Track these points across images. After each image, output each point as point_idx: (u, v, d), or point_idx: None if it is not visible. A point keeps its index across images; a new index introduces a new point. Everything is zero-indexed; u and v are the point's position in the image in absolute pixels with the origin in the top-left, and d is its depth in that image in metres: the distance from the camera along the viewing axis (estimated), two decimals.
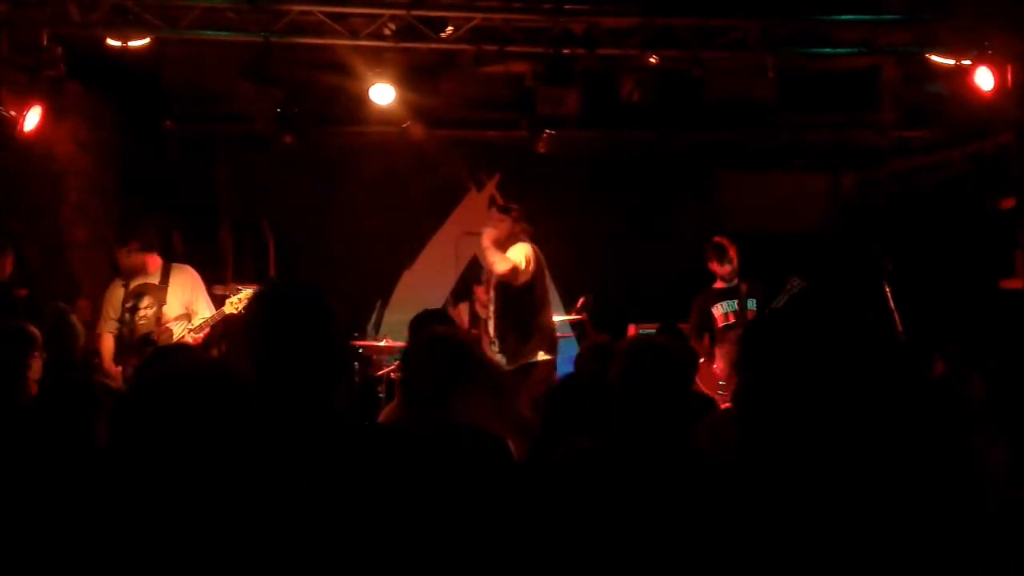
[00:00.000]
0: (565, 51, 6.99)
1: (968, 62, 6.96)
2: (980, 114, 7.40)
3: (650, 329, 7.15)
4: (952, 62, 7.09)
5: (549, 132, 7.87)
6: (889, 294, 6.46)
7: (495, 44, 6.95)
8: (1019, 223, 7.72)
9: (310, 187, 9.05)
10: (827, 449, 1.91)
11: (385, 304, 8.77)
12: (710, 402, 4.59)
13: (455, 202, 9.53)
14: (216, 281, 6.97)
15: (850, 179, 10.10)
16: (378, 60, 7.07)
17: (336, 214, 9.21)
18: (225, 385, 1.99)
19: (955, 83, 7.29)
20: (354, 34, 6.89)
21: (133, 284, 6.17)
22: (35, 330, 4.10)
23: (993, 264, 7.86)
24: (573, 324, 8.15)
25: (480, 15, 6.83)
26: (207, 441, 1.90)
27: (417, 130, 8.15)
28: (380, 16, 6.80)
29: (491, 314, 6.69)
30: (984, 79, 6.88)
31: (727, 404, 4.11)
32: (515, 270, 6.40)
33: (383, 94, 7.16)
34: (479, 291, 7.12)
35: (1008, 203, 7.82)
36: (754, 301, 7.02)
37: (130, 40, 6.65)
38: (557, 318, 7.64)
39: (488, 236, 6.51)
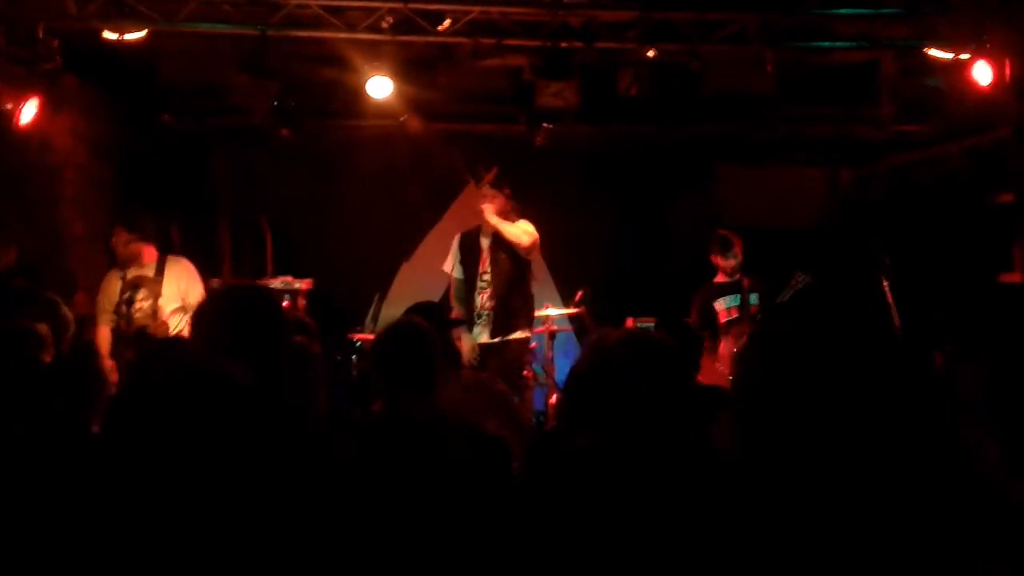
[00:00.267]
0: (563, 44, 6.99)
1: (966, 56, 6.96)
2: (978, 109, 7.39)
3: (648, 323, 7.14)
4: (950, 56, 7.09)
5: (547, 126, 7.86)
6: (887, 288, 6.47)
7: (493, 37, 6.95)
8: (1017, 217, 7.72)
9: (307, 180, 9.04)
10: (826, 445, 1.91)
11: (383, 297, 8.74)
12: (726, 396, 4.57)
13: (453, 195, 9.50)
14: (213, 274, 6.97)
15: (848, 173, 10.10)
16: (375, 53, 7.06)
17: (334, 207, 9.19)
18: (223, 385, 1.98)
19: (953, 77, 7.28)
20: (351, 27, 6.88)
21: (129, 276, 6.16)
22: (44, 329, 4.11)
23: (991, 258, 7.86)
24: (571, 318, 8.15)
25: (478, 8, 6.82)
26: (206, 441, 1.90)
27: (415, 123, 8.14)
28: (377, 9, 6.79)
29: (489, 284, 6.74)
30: (982, 73, 6.88)
31: None
32: (536, 243, 6.64)
33: (380, 87, 7.15)
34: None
35: (1006, 197, 7.81)
36: (756, 296, 7.02)
37: (126, 33, 6.64)
38: (556, 312, 7.65)
39: (490, 211, 6.60)
